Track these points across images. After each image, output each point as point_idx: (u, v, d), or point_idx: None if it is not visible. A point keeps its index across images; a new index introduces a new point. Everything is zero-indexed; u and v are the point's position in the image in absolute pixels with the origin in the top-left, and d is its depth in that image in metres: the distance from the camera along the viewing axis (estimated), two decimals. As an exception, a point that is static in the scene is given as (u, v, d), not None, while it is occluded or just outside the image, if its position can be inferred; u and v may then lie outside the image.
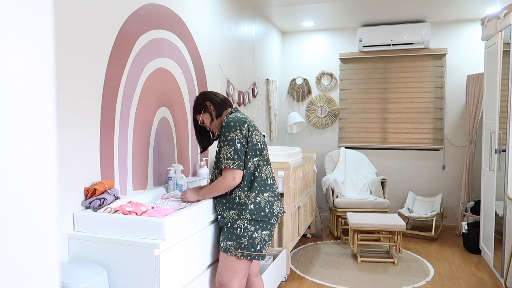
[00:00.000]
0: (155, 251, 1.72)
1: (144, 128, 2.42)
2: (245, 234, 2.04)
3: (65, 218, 1.85)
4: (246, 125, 2.08)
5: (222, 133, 2.10)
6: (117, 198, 2.01)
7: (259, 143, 2.12)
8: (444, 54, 5.00)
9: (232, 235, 2.06)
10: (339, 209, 4.43)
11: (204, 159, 3.11)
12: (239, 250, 2.04)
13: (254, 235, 2.05)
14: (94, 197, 1.91)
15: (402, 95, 5.18)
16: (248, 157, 2.07)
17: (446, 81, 5.03)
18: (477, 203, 4.22)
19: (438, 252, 4.13)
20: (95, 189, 1.92)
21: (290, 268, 3.58)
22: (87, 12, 1.94)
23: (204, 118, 2.25)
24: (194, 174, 3.02)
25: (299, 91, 5.54)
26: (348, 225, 4.04)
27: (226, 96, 2.27)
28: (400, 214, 4.64)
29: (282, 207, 2.19)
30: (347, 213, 4.11)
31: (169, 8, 2.66)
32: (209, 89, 3.28)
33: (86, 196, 1.94)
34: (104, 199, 1.92)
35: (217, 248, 2.24)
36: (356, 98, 5.36)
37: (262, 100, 4.74)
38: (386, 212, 4.39)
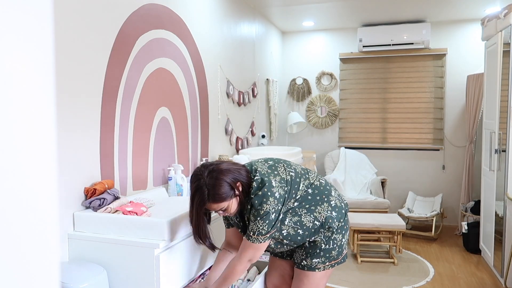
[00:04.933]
0: (155, 251, 1.72)
1: (144, 128, 2.42)
2: (335, 246, 1.85)
3: (65, 218, 1.85)
4: (273, 183, 1.72)
5: (251, 205, 1.72)
6: (117, 198, 2.01)
7: (288, 175, 1.80)
8: (444, 54, 5.00)
9: (320, 251, 1.84)
10: (339, 209, 4.43)
11: (204, 159, 3.11)
12: (327, 263, 1.85)
13: (342, 243, 1.88)
14: (94, 197, 1.91)
15: (402, 95, 5.18)
16: (293, 194, 1.79)
17: (446, 81, 5.03)
18: (477, 203, 4.22)
19: (438, 252, 4.13)
20: (95, 189, 1.92)
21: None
22: (87, 12, 1.94)
23: (233, 204, 1.73)
24: (194, 174, 3.02)
25: (299, 91, 5.54)
26: (348, 225, 4.04)
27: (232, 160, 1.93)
28: (400, 214, 4.64)
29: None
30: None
31: (169, 8, 2.66)
32: (209, 89, 3.27)
33: (86, 196, 1.94)
34: (104, 199, 1.92)
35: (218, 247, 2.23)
36: (356, 98, 5.36)
37: (262, 100, 4.74)
38: (386, 212, 4.40)
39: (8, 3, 0.43)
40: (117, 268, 1.78)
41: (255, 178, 1.74)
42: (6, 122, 0.43)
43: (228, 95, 3.67)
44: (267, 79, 4.88)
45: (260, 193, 1.69)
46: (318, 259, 1.84)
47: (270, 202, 1.69)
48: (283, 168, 1.82)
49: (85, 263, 1.78)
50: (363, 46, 5.05)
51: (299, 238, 1.82)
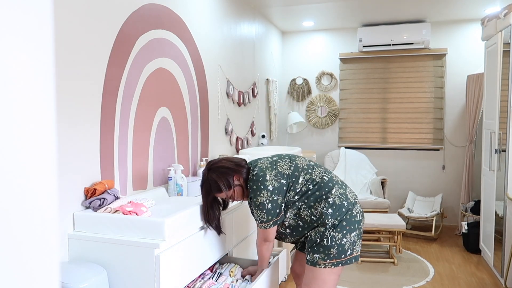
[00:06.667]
0: (155, 251, 1.72)
1: (144, 128, 2.42)
2: (333, 243, 1.86)
3: (65, 218, 1.85)
4: (267, 177, 1.92)
5: (250, 198, 1.97)
6: (117, 198, 2.01)
7: (289, 170, 1.96)
8: (444, 54, 5.00)
9: (319, 247, 1.89)
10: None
11: (204, 159, 3.11)
12: (327, 260, 1.87)
13: (343, 242, 1.87)
14: (94, 197, 1.91)
15: (402, 95, 5.18)
16: (291, 186, 1.94)
17: (446, 81, 5.03)
18: (477, 203, 4.22)
19: (438, 252, 4.13)
20: (95, 189, 1.92)
21: (290, 268, 3.58)
22: (87, 12, 1.94)
23: (237, 192, 2.02)
24: (194, 174, 3.03)
25: (299, 91, 5.54)
26: (348, 225, 4.04)
27: (235, 157, 2.11)
28: (400, 214, 4.64)
29: (353, 191, 2.03)
30: (347, 213, 4.11)
31: (169, 8, 2.66)
32: (209, 89, 3.27)
33: (86, 196, 1.94)
34: (104, 199, 1.92)
35: (218, 248, 2.24)
36: (356, 98, 5.36)
37: (262, 100, 4.74)
38: (386, 212, 4.40)
39: (8, 3, 0.43)
40: (117, 268, 1.78)
41: (254, 172, 1.97)
42: (6, 122, 0.43)
43: (228, 95, 3.67)
44: (267, 79, 4.88)
45: (254, 187, 1.93)
46: (317, 255, 1.90)
47: (263, 195, 1.91)
48: (285, 162, 1.99)
49: (85, 263, 1.78)
50: (363, 46, 5.05)
51: (300, 229, 1.98)
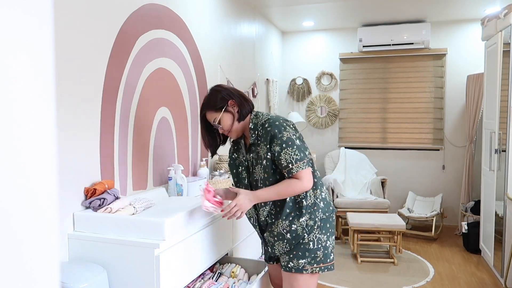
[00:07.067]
0: (155, 251, 1.72)
1: (144, 128, 2.42)
2: (319, 246, 1.79)
3: (65, 218, 1.85)
4: (289, 123, 1.81)
5: (271, 138, 1.75)
6: (117, 198, 2.01)
7: (300, 136, 1.85)
8: (444, 54, 5.00)
9: (304, 251, 1.79)
10: (339, 209, 4.43)
11: (204, 159, 3.11)
12: (315, 265, 1.79)
13: (327, 244, 1.82)
14: (94, 197, 1.91)
15: (402, 95, 5.18)
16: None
17: (446, 81, 5.03)
18: (477, 203, 4.22)
19: (438, 252, 4.14)
20: (95, 189, 1.92)
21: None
22: (87, 12, 1.94)
23: (224, 118, 1.83)
24: (194, 174, 3.03)
25: (299, 91, 5.54)
26: (348, 225, 4.04)
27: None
28: (400, 214, 4.64)
29: None
30: (347, 213, 4.11)
31: (169, 8, 2.66)
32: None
33: (86, 196, 1.94)
34: (104, 199, 1.92)
35: (218, 248, 2.24)
36: (356, 98, 5.36)
37: (262, 100, 4.74)
38: (386, 212, 4.40)
39: (8, 3, 0.43)
40: (117, 268, 1.78)
41: (268, 116, 1.82)
42: (6, 122, 0.43)
43: (228, 95, 3.67)
44: (267, 79, 4.88)
45: (276, 122, 1.76)
46: (303, 260, 1.79)
47: (288, 130, 1.76)
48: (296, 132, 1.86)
49: (85, 263, 1.78)
50: (363, 46, 5.05)
51: (276, 209, 1.82)
